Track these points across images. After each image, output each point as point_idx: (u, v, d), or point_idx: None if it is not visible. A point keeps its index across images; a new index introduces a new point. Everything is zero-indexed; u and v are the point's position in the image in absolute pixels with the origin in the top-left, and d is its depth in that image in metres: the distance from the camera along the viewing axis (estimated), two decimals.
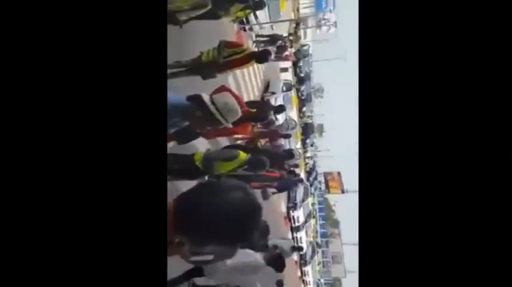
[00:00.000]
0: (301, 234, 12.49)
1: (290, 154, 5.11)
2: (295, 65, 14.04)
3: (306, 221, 12.73)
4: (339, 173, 26.00)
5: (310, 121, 19.18)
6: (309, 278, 15.15)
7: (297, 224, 12.02)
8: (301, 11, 21.32)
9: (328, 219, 33.94)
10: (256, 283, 2.38)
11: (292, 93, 11.10)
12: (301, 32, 17.87)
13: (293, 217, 11.84)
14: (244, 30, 7.21)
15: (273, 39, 8.14)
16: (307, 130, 17.27)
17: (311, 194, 13.49)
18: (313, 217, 14.53)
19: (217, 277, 2.26)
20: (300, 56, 14.65)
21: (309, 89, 16.98)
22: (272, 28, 8.81)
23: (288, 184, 6.48)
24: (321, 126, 39.59)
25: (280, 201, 10.25)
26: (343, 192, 25.89)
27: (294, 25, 14.76)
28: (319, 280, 16.45)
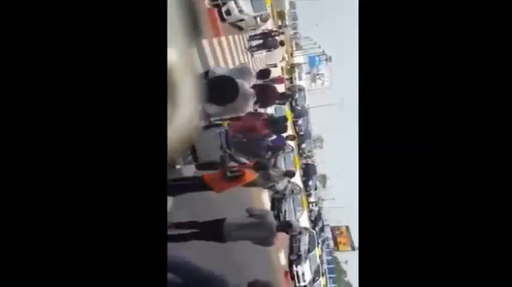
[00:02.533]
0: None
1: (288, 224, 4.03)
2: (291, 97, 13.21)
3: (314, 280, 9.94)
4: (347, 228, 23.94)
5: (312, 162, 17.43)
6: None
7: (302, 283, 9.29)
8: (295, 58, 21.97)
9: (340, 282, 29.84)
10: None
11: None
12: (296, 74, 17.77)
13: (297, 273, 9.19)
14: (221, 16, 6.47)
15: (265, 36, 7.83)
16: (309, 171, 15.48)
17: (318, 244, 10.98)
18: (323, 275, 11.64)
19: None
20: (295, 89, 14.01)
21: (306, 123, 15.88)
22: (257, 21, 8.28)
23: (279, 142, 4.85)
24: (324, 176, 37.82)
25: (278, 252, 7.89)
26: (353, 249, 23.47)
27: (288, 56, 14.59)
28: None
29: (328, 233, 21.46)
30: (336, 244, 23.69)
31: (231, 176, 2.78)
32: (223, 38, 6.24)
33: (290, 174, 4.41)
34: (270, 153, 4.08)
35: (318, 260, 10.58)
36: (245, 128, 3.74)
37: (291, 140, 5.64)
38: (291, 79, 16.66)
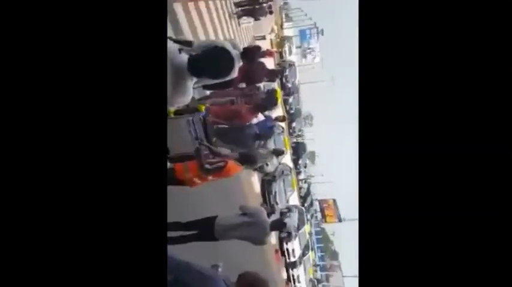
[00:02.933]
0: (299, 271, 10.09)
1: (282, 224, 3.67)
2: (281, 74, 12.77)
3: (303, 254, 10.38)
4: (334, 201, 24.83)
5: (302, 140, 17.45)
6: None
7: (292, 259, 9.67)
8: (285, 30, 21.06)
9: (327, 251, 31.64)
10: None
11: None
12: (286, 47, 17.06)
13: (287, 250, 9.52)
14: None
15: (253, 3, 7.39)
16: (299, 150, 15.55)
17: (307, 221, 11.29)
18: (312, 249, 12.15)
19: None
20: (285, 65, 13.47)
21: (297, 101, 15.62)
22: None
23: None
24: (313, 153, 38.40)
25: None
26: (340, 221, 24.54)
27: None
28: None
29: (316, 207, 22.16)
30: (324, 216, 24.62)
31: (210, 168, 2.39)
32: (201, 3, 5.25)
33: (279, 153, 4.13)
34: (258, 142, 3.51)
35: (307, 235, 10.95)
36: (227, 113, 3.15)
37: (281, 121, 5.26)
38: (280, 53, 16.05)
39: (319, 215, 23.51)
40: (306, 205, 15.77)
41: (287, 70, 13.35)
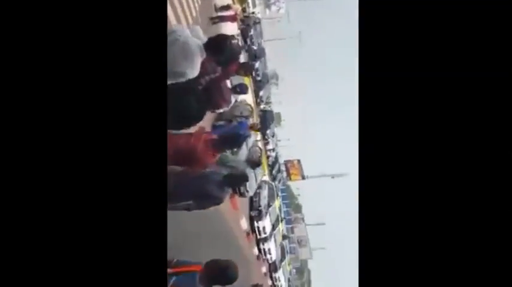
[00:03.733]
0: (270, 244, 10.35)
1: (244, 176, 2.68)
2: (244, 34, 11.24)
3: (273, 228, 10.61)
4: (298, 161, 26.04)
5: (269, 108, 16.67)
6: (281, 282, 13.54)
7: (263, 235, 9.82)
8: None
9: (291, 205, 34.13)
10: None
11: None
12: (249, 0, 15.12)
13: (257, 228, 9.56)
14: None
15: None
16: (267, 119, 14.96)
17: (277, 195, 11.30)
18: (281, 221, 12.53)
19: None
20: (250, 22, 11.80)
21: (264, 67, 14.46)
22: None
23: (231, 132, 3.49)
24: (278, 115, 38.15)
25: (238, 216, 7.80)
26: (303, 178, 26.15)
27: None
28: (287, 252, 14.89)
29: (282, 167, 22.81)
30: (289, 175, 25.86)
31: None
32: None
33: (253, 163, 3.40)
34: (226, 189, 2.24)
35: (277, 211, 11.09)
36: (180, 154, 1.89)
37: (256, 130, 4.52)
38: (244, 9, 14.25)
39: (284, 174, 24.44)
40: (273, 171, 15.92)
41: (252, 29, 11.83)
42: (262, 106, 15.08)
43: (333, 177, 31.71)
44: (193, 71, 1.59)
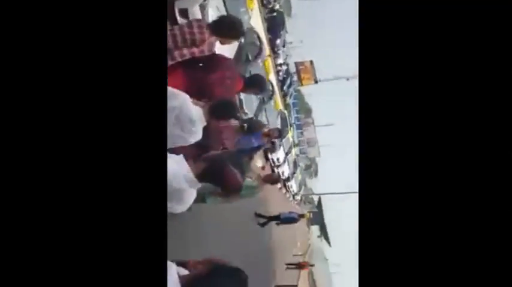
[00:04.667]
0: (284, 168, 10.54)
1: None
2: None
3: (287, 155, 10.54)
4: (311, 62, 23.68)
5: (278, 7, 13.40)
6: (292, 188, 14.91)
7: (277, 164, 9.83)
8: None
9: (302, 109, 33.96)
10: None
11: None
12: None
13: (271, 159, 9.46)
14: None
15: None
16: (275, 23, 12.45)
17: (290, 126, 10.67)
18: (295, 146, 12.29)
19: None
20: None
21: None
22: None
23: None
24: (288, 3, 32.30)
25: (255, 161, 7.52)
26: (316, 82, 24.49)
27: None
28: (299, 165, 16.28)
29: (294, 78, 21.14)
30: (300, 79, 24.15)
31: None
32: None
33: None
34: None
35: (291, 139, 10.75)
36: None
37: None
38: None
39: (295, 77, 22.88)
40: (284, 87, 14.72)
41: None
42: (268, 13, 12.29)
43: (348, 79, 29.80)
44: None
